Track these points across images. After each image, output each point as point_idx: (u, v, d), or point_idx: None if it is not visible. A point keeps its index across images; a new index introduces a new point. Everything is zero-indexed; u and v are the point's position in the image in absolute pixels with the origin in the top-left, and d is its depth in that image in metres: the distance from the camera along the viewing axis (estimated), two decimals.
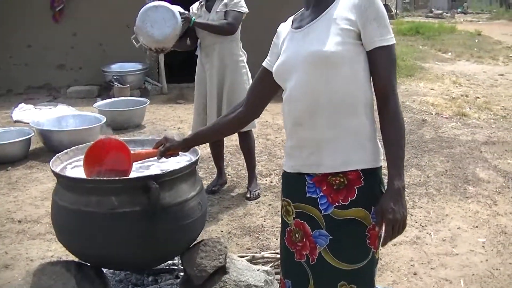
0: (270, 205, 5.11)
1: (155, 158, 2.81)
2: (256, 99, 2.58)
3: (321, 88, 2.21)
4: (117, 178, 2.90)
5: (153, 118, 8.47)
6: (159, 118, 8.49)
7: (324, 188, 2.28)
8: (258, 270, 3.30)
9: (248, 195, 5.27)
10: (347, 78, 2.20)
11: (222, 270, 3.20)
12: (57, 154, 3.33)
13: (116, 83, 9.56)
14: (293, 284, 2.44)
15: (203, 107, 5.16)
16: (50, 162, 3.17)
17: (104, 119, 7.08)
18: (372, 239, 2.30)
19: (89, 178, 2.93)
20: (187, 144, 2.76)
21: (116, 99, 8.72)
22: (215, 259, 3.18)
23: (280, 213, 2.50)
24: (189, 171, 3.14)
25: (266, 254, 4.04)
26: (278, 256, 4.01)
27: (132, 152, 2.90)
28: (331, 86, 2.21)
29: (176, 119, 8.39)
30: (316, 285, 2.34)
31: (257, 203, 5.14)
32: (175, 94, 10.18)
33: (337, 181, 2.27)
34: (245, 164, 5.55)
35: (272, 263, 3.95)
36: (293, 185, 2.40)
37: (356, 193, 2.25)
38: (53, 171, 3.07)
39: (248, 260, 3.90)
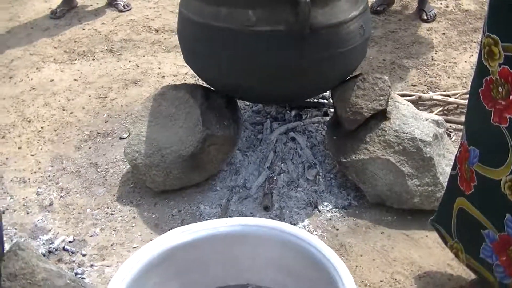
0: (444, 34, 4.24)
1: None
2: None
3: None
4: None
5: None
6: None
7: None
8: (427, 119, 2.59)
9: (425, 17, 4.42)
10: None
11: (381, 114, 2.53)
12: None
13: None
14: (482, 154, 1.75)
15: None
16: None
17: None
18: None
19: None
20: None
21: None
22: (374, 100, 2.51)
23: (480, 53, 1.73)
24: None
25: (434, 96, 3.32)
26: (450, 99, 3.30)
27: None
28: None
29: None
30: None
31: (428, 30, 4.29)
32: None
33: None
34: None
35: (441, 108, 3.25)
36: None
37: None
38: None
39: (412, 101, 3.21)
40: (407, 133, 2.47)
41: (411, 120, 2.53)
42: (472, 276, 2.14)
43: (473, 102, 1.79)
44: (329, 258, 1.75)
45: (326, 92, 2.84)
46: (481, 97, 1.73)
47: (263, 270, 1.92)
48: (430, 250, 2.34)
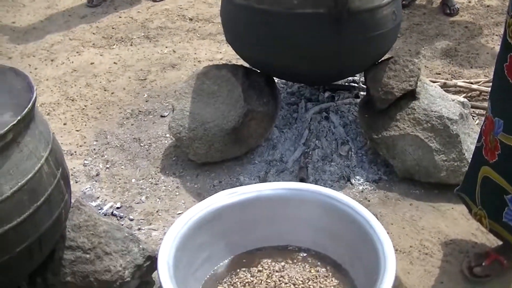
0: (466, 27, 4.39)
1: None
2: None
3: None
4: None
5: None
6: None
7: None
8: (453, 100, 2.76)
9: (448, 11, 4.59)
10: None
11: (411, 94, 2.70)
12: None
13: None
14: (506, 124, 1.92)
15: None
16: None
17: None
18: None
19: None
20: None
21: None
22: (404, 81, 2.68)
23: (505, 32, 1.90)
24: None
25: (459, 83, 3.48)
26: (473, 86, 3.45)
27: None
28: None
29: None
30: None
31: (451, 24, 4.45)
32: None
33: None
34: None
35: (464, 94, 3.40)
36: None
37: None
38: None
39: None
40: (435, 112, 2.64)
41: (438, 100, 2.70)
42: (494, 244, 2.31)
43: (498, 76, 1.95)
44: (365, 216, 1.92)
45: (360, 72, 3.01)
46: (506, 71, 1.89)
47: (303, 232, 2.06)
48: (455, 221, 2.50)
